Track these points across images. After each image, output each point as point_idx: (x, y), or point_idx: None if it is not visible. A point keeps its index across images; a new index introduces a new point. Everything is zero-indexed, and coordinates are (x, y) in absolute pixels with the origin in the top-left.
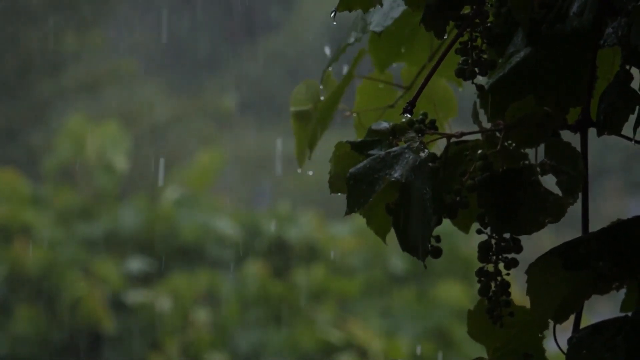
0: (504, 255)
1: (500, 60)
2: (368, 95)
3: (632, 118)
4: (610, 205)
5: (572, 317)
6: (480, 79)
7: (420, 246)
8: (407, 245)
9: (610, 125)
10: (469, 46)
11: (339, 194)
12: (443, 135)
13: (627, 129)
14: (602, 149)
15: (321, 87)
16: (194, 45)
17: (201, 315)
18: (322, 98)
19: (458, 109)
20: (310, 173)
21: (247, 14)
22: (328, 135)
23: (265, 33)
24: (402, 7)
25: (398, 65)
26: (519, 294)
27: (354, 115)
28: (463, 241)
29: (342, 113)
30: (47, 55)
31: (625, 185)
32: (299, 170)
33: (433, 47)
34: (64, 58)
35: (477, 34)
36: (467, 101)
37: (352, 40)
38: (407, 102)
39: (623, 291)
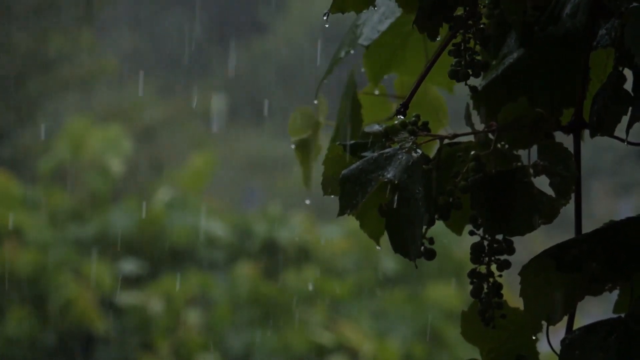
0: (497, 257)
1: (493, 62)
2: (363, 110)
3: (625, 119)
4: (600, 206)
5: (565, 319)
6: (474, 81)
7: (411, 247)
8: (399, 246)
9: (604, 126)
10: (462, 48)
11: (332, 196)
12: (436, 136)
13: (619, 130)
14: (592, 150)
15: (315, 102)
16: (184, 47)
17: (192, 317)
18: (320, 119)
19: (449, 119)
20: (307, 202)
21: (237, 15)
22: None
23: (255, 35)
24: (390, 20)
25: (392, 78)
26: (512, 296)
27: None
28: (455, 243)
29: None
30: (37, 56)
31: (615, 186)
32: (307, 202)
33: (428, 55)
34: (54, 59)
35: (470, 36)
36: (460, 102)
37: (342, 54)
38: (400, 104)
39: (616, 292)
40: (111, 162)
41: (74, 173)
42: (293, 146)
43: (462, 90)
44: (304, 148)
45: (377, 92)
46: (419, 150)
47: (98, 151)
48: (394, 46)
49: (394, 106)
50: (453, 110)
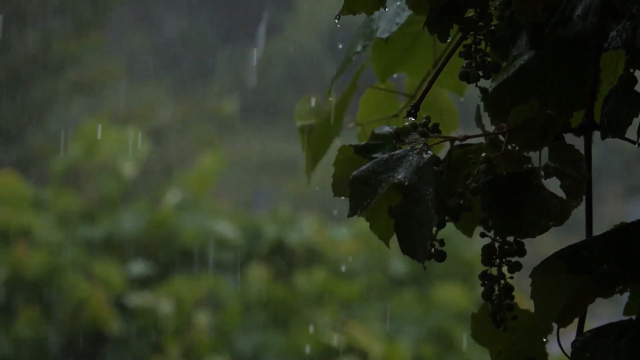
0: (508, 259)
1: (503, 64)
2: (371, 105)
3: (636, 121)
4: (610, 208)
5: (575, 321)
6: (484, 82)
7: (420, 248)
8: (407, 248)
9: (614, 128)
10: (473, 49)
11: (342, 197)
12: (446, 138)
13: (630, 132)
14: (602, 152)
15: (330, 99)
16: (194, 49)
17: (202, 319)
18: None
19: (459, 121)
20: (317, 189)
21: (247, 17)
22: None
23: (265, 36)
24: (407, 13)
25: (401, 75)
26: (522, 298)
27: (358, 127)
28: (464, 244)
29: (346, 124)
30: (46, 57)
31: (626, 188)
32: (317, 187)
33: (436, 55)
34: (63, 61)
35: (481, 37)
36: (470, 104)
37: (359, 48)
38: (411, 105)
39: (626, 294)
40: (124, 165)
41: (86, 175)
42: (299, 130)
43: (472, 92)
44: (309, 134)
45: (383, 86)
46: (429, 152)
47: (112, 154)
48: (403, 45)
49: (401, 104)
50: (464, 112)
